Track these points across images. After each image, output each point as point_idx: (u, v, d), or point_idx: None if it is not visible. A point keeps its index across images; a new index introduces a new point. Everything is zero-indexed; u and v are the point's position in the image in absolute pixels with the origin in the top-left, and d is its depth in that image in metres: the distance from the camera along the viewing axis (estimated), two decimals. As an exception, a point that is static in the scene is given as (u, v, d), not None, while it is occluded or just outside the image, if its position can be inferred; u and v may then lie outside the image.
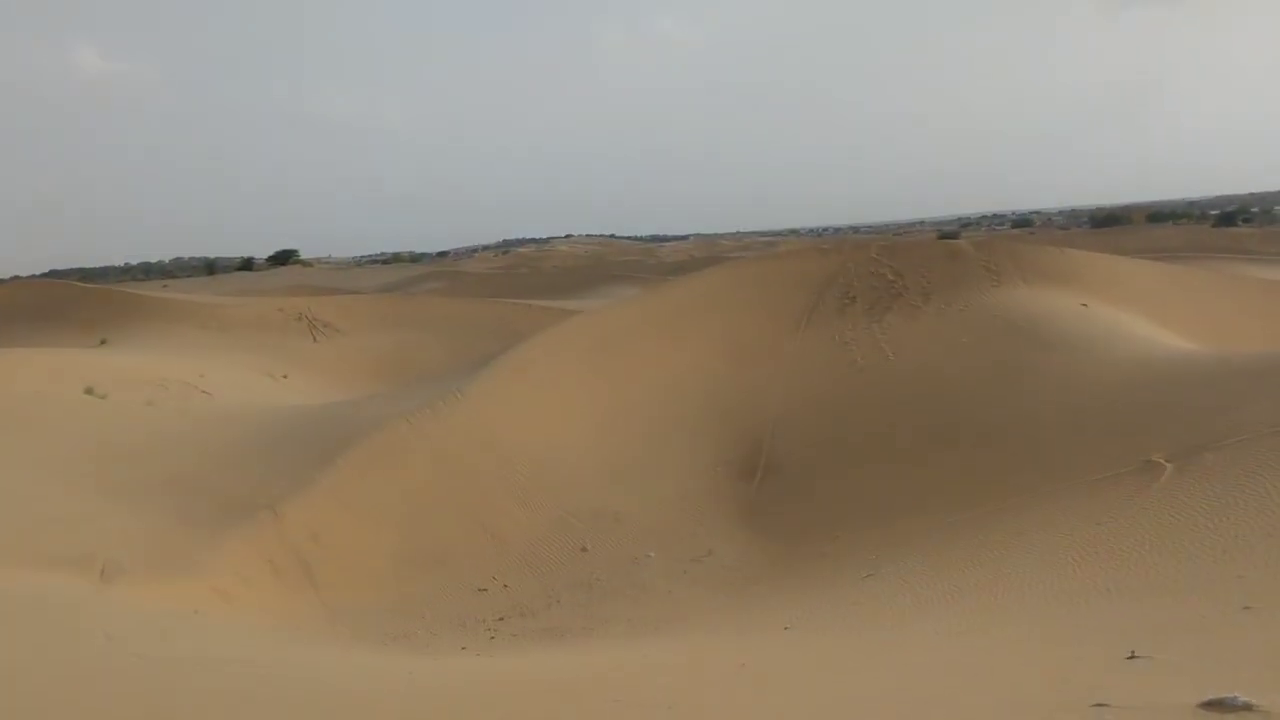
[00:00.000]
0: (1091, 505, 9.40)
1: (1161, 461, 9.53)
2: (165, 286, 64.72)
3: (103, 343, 27.77)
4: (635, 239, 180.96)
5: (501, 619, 12.63)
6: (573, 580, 13.68)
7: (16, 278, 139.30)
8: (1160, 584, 6.33)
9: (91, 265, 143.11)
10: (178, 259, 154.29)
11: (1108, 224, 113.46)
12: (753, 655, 6.47)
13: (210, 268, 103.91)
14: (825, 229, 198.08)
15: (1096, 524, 8.76)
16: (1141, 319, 17.04)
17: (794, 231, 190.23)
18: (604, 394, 17.51)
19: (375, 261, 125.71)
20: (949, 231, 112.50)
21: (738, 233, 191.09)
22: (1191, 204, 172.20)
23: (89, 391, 18.51)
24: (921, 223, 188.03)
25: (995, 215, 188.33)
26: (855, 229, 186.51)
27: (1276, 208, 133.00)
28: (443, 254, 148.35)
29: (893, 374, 16.59)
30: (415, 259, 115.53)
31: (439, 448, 15.75)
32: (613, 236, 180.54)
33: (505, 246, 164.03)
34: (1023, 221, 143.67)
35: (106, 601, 10.62)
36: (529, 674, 7.21)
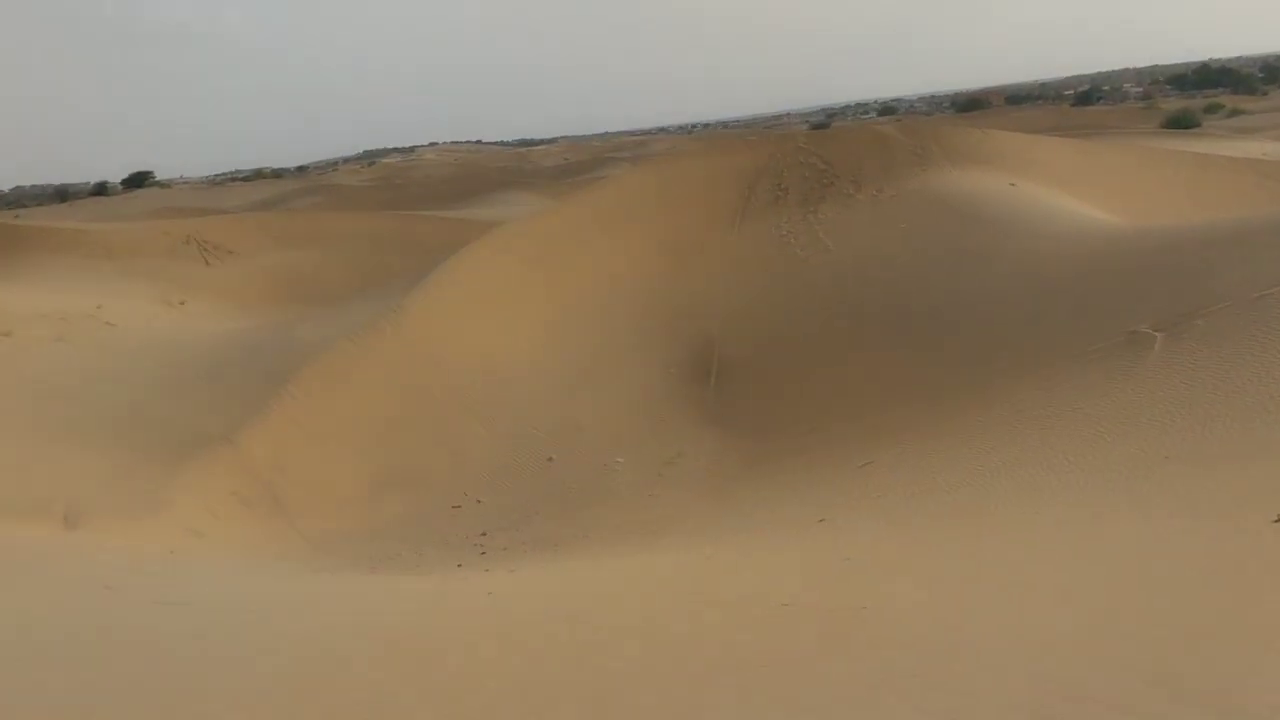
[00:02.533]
0: (1088, 378, 9.64)
1: (1150, 332, 9.80)
2: (18, 217, 60.59)
3: (-21, 278, 25.89)
4: (503, 144, 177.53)
5: (484, 534, 12.45)
6: (545, 491, 13.56)
7: None
8: (1224, 450, 6.52)
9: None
10: (18, 187, 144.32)
11: (970, 108, 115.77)
12: (852, 548, 6.46)
13: (62, 194, 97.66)
14: (693, 125, 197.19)
15: (1102, 395, 8.99)
16: (1069, 197, 17.48)
17: (662, 129, 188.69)
18: (546, 302, 17.21)
19: (234, 179, 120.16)
20: (818, 122, 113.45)
21: (605, 133, 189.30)
22: (1044, 85, 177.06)
23: (-9, 331, 17.29)
24: (788, 114, 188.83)
25: (859, 104, 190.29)
26: (723, 124, 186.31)
27: (1125, 85, 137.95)
28: (302, 168, 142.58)
29: (836, 264, 16.70)
30: (277, 174, 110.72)
31: (388, 367, 15.29)
32: (479, 143, 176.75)
33: (369, 158, 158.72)
34: (887, 109, 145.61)
35: (79, 548, 10.06)
36: (599, 582, 7.09)
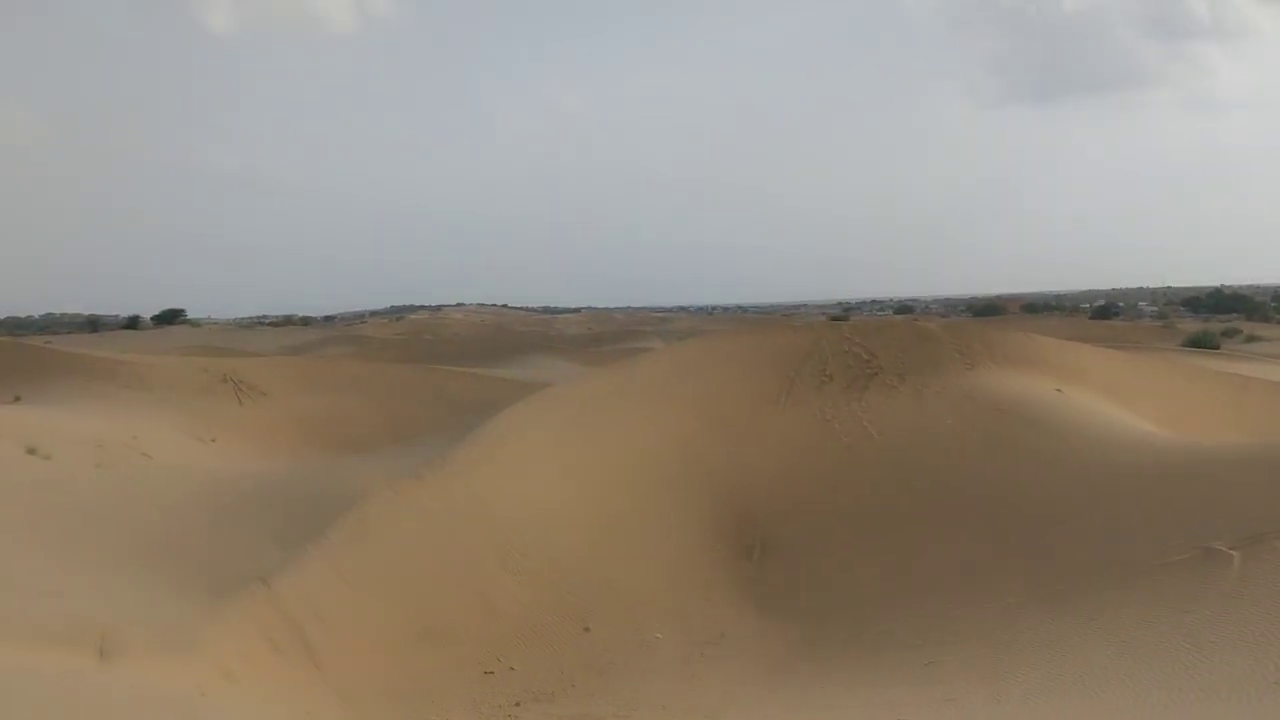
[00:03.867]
0: (1164, 591, 9.44)
1: (1225, 550, 9.65)
2: (48, 343, 61.49)
3: (17, 399, 26.06)
4: (528, 310, 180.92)
5: (518, 704, 12.04)
6: (582, 662, 13.18)
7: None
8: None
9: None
10: (49, 314, 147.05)
11: (987, 313, 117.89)
12: None
13: (93, 324, 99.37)
14: (712, 307, 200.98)
15: (1185, 611, 8.78)
16: (1117, 407, 17.55)
17: (682, 308, 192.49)
18: (587, 462, 17.15)
19: (262, 323, 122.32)
20: (835, 315, 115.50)
21: (628, 307, 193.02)
22: (1059, 297, 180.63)
23: (31, 451, 17.26)
24: (804, 305, 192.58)
25: (875, 301, 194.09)
26: (742, 308, 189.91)
27: (1139, 303, 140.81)
28: (329, 318, 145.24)
29: (882, 452, 16.67)
30: (305, 322, 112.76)
31: (430, 517, 15.11)
32: (505, 306, 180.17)
33: (396, 312, 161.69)
34: (904, 308, 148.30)
35: (116, 683, 9.75)
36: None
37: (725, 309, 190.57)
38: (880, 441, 16.97)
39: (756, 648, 13.07)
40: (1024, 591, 11.00)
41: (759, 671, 12.37)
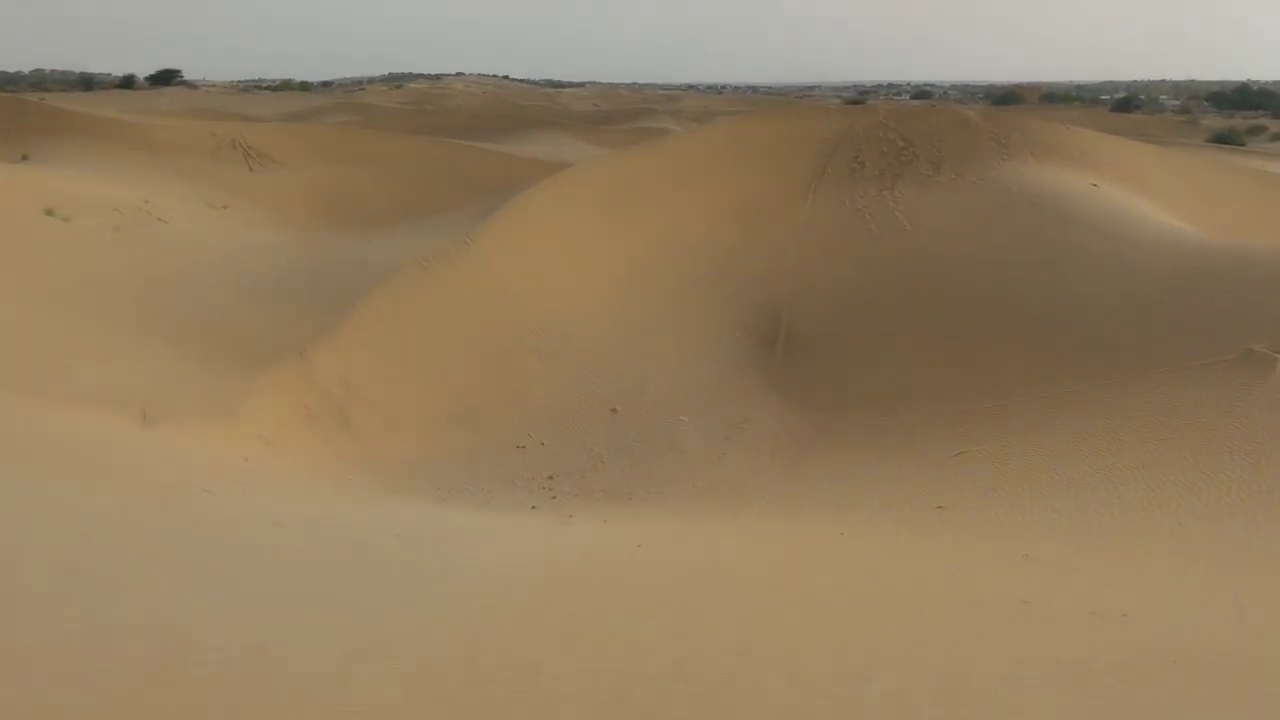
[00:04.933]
0: (1203, 394, 9.47)
1: (1268, 352, 9.63)
2: (43, 99, 59.74)
3: (24, 158, 25.51)
4: (529, 82, 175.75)
5: (551, 477, 12.34)
6: (610, 442, 13.43)
7: None
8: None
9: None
10: (39, 70, 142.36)
11: (1005, 102, 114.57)
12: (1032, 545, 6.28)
13: (87, 83, 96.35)
14: (721, 86, 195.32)
15: (1225, 413, 8.83)
16: (1151, 204, 17.21)
17: (690, 86, 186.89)
18: (615, 249, 16.96)
19: (259, 87, 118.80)
20: (851, 98, 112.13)
21: (634, 84, 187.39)
22: (1079, 87, 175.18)
23: (50, 213, 16.99)
24: (817, 87, 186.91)
25: (891, 85, 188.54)
26: (753, 89, 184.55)
27: (1161, 96, 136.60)
28: (327, 83, 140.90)
29: (913, 243, 16.45)
30: (304, 87, 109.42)
31: (455, 298, 15.08)
32: (506, 78, 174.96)
33: (395, 80, 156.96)
34: (921, 93, 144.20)
35: (159, 447, 9.90)
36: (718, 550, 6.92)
37: (735, 88, 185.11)
38: (912, 234, 16.72)
39: (780, 433, 13.29)
40: (1052, 388, 11.06)
41: (782, 453, 12.64)
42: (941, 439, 11.07)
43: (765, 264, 16.99)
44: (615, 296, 16.17)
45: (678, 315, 16.08)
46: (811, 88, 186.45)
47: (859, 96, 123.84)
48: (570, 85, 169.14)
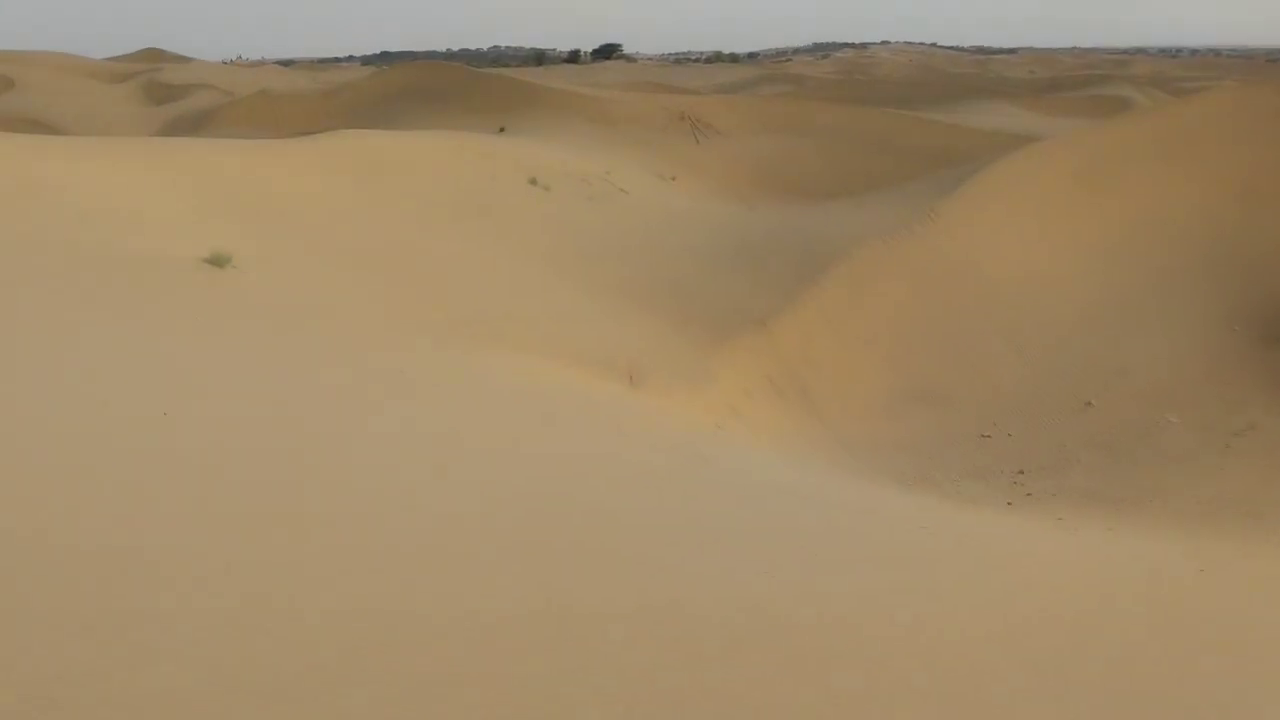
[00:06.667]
0: None
1: None
2: (501, 74, 65.62)
3: (501, 130, 28.07)
4: (957, 49, 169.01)
5: (1021, 471, 11.54)
6: (1084, 438, 12.34)
7: (351, 58, 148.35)
8: None
9: (418, 49, 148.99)
10: (495, 47, 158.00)
11: None
12: None
13: (538, 58, 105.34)
14: (1177, 49, 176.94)
15: None
16: None
17: (1139, 50, 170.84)
18: (1092, 226, 15.61)
19: (688, 59, 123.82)
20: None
21: (1073, 48, 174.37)
22: None
23: (533, 182, 18.45)
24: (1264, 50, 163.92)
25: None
26: (1215, 51, 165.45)
27: None
28: (753, 54, 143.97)
29: None
30: (733, 59, 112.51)
31: (918, 273, 14.55)
32: (934, 45, 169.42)
33: (820, 49, 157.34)
34: None
35: (648, 408, 10.34)
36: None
37: (1193, 51, 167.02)
38: None
39: (1297, 444, 11.57)
40: None
41: (1304, 471, 10.98)
42: None
43: (1270, 249, 14.92)
44: (1091, 277, 14.90)
45: (1162, 301, 14.54)
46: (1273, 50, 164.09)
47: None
48: (1000, 52, 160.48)
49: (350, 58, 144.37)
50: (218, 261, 9.92)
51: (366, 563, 3.40)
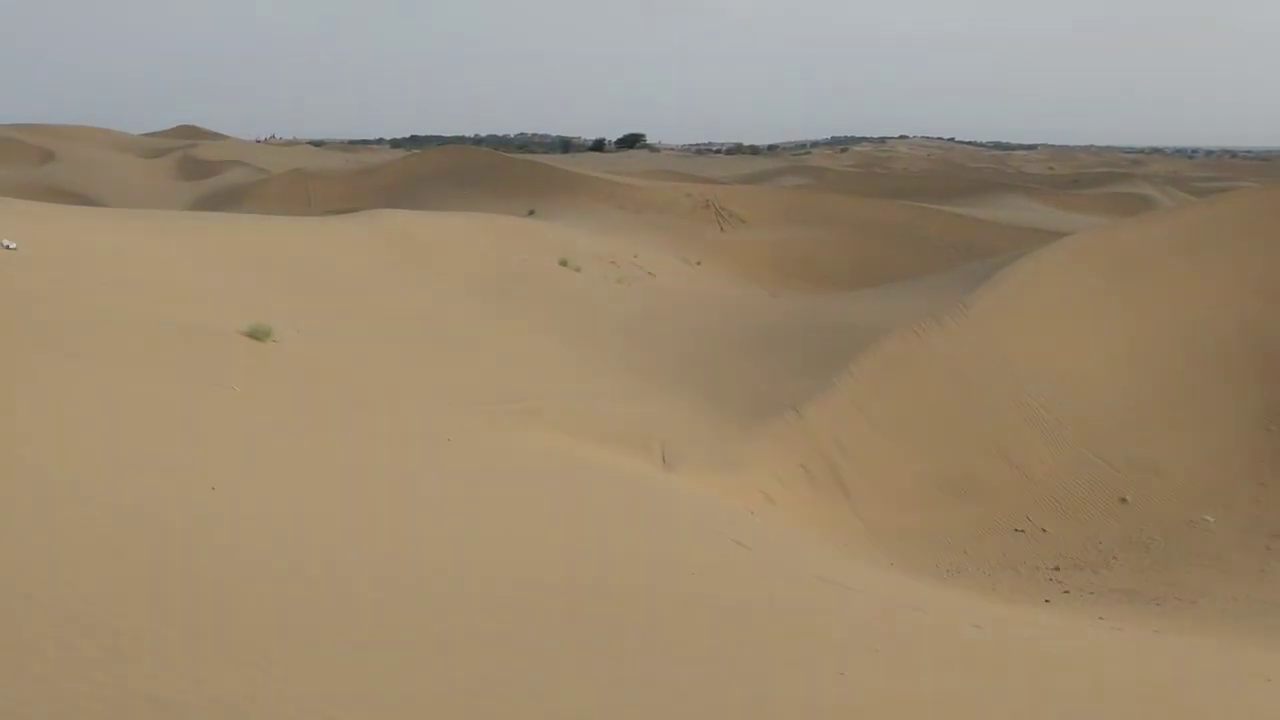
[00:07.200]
0: None
1: None
2: (529, 159, 66.67)
3: (531, 213, 28.47)
4: (975, 144, 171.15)
5: (1057, 568, 11.38)
6: (1121, 536, 12.20)
7: (381, 140, 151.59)
8: None
9: (446, 134, 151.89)
10: (522, 134, 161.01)
11: None
12: None
13: (565, 146, 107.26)
14: (1193, 150, 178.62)
15: None
16: None
17: (1156, 150, 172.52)
18: (1123, 323, 15.62)
19: (709, 149, 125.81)
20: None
21: (1090, 146, 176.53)
22: None
23: (564, 264, 18.66)
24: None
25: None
26: (1230, 153, 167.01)
27: None
28: (772, 147, 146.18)
29: None
30: (754, 150, 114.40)
31: (951, 363, 14.55)
32: (952, 140, 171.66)
33: (838, 143, 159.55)
34: None
35: (681, 491, 10.30)
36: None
37: (1208, 152, 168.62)
38: None
39: (1339, 550, 11.40)
40: None
41: (1348, 577, 10.80)
42: None
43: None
44: (1123, 371, 14.87)
45: (1196, 397, 14.50)
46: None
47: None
48: (1019, 147, 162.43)
49: (380, 140, 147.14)
50: (258, 335, 10.03)
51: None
